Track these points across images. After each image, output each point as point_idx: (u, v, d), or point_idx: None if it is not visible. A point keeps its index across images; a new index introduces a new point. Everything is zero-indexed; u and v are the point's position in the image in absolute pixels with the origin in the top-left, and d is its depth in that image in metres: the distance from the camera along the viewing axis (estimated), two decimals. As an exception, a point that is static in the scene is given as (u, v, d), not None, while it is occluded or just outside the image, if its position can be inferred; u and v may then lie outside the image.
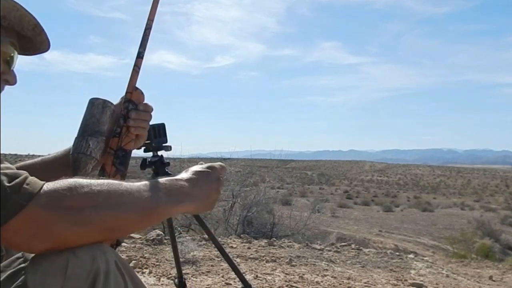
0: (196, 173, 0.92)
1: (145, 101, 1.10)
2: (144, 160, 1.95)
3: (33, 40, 0.93)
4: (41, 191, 0.70)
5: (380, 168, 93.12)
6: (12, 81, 0.89)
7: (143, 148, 1.92)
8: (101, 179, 0.79)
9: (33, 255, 0.73)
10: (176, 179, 0.89)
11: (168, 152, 2.02)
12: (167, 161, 1.99)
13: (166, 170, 1.97)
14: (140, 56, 1.07)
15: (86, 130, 1.00)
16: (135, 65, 1.07)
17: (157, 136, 1.90)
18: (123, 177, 1.04)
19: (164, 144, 1.94)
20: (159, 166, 1.95)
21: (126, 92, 1.08)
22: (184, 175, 0.92)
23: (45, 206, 0.69)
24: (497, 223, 18.69)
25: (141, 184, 0.85)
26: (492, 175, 79.94)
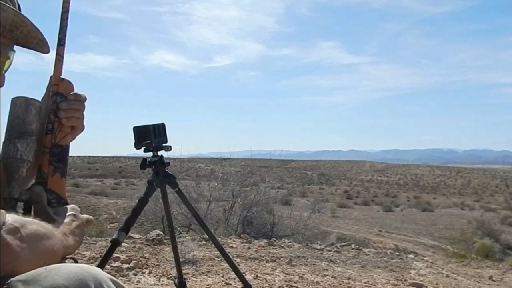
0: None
1: (76, 91, 1.02)
2: (144, 160, 1.96)
3: (33, 48, 0.95)
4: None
5: (380, 168, 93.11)
6: (2, 84, 0.90)
7: (143, 148, 1.92)
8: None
9: (20, 285, 0.66)
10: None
11: (168, 152, 2.03)
12: (167, 161, 1.99)
13: (166, 170, 1.98)
14: (61, 43, 0.99)
15: (12, 133, 0.93)
16: (57, 53, 0.98)
17: (157, 136, 1.91)
18: (63, 175, 0.98)
19: (164, 144, 1.95)
20: (159, 166, 1.95)
21: (52, 85, 1.00)
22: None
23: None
24: (497, 223, 18.68)
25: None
26: (492, 175, 79.93)
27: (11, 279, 0.67)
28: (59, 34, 0.99)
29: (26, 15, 0.89)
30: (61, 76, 1.00)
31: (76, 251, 0.86)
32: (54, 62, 0.98)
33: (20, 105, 0.94)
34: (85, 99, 1.03)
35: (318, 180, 66.69)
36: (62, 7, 1.00)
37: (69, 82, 1.01)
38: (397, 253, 5.24)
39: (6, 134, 0.93)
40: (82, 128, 1.05)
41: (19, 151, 0.92)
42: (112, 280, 0.74)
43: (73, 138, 1.05)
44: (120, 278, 3.09)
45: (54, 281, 0.65)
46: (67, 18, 1.00)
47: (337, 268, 4.07)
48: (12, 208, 0.87)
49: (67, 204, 0.96)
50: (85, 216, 0.96)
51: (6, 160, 0.91)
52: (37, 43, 0.91)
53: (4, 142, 0.93)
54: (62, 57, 0.99)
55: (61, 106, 0.98)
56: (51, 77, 1.01)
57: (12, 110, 0.94)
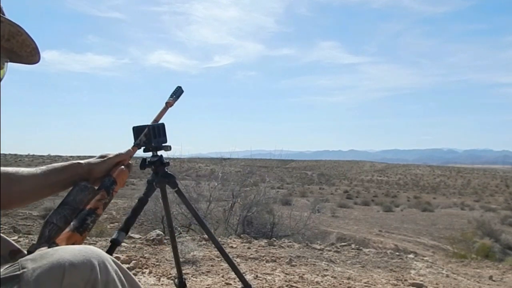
0: None
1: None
2: (143, 160, 1.95)
3: (25, 59, 0.96)
4: None
5: (380, 168, 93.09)
6: None
7: (143, 148, 1.92)
8: None
9: (29, 262, 0.70)
10: None
11: (168, 152, 2.02)
12: (167, 161, 1.99)
13: (166, 170, 1.98)
14: None
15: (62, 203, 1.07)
16: None
17: (157, 136, 1.90)
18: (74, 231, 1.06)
19: (163, 144, 1.95)
20: (159, 166, 1.95)
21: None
22: None
23: None
24: (497, 223, 18.68)
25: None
26: (492, 175, 79.91)
27: (20, 259, 0.72)
28: None
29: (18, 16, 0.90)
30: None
31: None
32: None
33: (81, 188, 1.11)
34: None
35: (318, 180, 66.67)
36: None
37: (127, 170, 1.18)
38: (397, 253, 5.23)
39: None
40: None
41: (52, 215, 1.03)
42: (113, 261, 0.79)
43: None
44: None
45: (61, 257, 0.70)
46: None
47: (337, 268, 4.07)
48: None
49: None
50: None
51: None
52: (30, 52, 0.94)
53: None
54: None
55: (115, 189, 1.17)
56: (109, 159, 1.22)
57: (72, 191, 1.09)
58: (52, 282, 0.67)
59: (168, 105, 1.93)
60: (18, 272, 0.68)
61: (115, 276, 0.75)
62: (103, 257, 0.76)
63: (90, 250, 0.75)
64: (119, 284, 0.76)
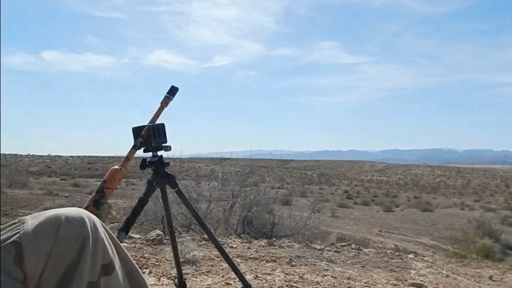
0: None
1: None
2: (144, 160, 1.95)
3: None
4: None
5: (380, 168, 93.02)
6: None
7: (143, 148, 1.92)
8: None
9: (29, 218, 0.79)
10: None
11: (168, 152, 2.02)
12: (167, 161, 1.99)
13: (166, 170, 1.98)
14: None
15: None
16: None
17: (157, 136, 1.90)
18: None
19: (163, 144, 1.95)
20: (159, 166, 1.95)
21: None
22: None
23: None
24: (497, 223, 18.66)
25: None
26: (492, 175, 79.86)
27: (21, 217, 0.81)
28: None
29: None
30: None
31: None
32: None
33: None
34: None
35: (318, 180, 66.64)
36: None
37: None
38: (397, 253, 5.23)
39: None
40: None
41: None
42: (102, 225, 0.87)
43: None
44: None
45: (57, 212, 0.79)
46: None
47: (337, 268, 4.07)
48: None
49: None
50: None
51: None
52: None
53: None
54: None
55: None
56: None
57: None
58: (48, 232, 0.75)
59: (164, 104, 1.93)
60: (18, 223, 0.78)
61: (103, 236, 0.83)
62: (94, 219, 0.84)
63: (83, 211, 0.84)
64: (107, 243, 0.82)
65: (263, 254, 4.32)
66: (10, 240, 0.74)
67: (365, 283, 3.50)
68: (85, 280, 0.75)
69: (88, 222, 0.80)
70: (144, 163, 1.97)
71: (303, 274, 3.60)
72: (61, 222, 0.76)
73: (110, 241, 0.84)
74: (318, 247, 5.10)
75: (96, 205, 1.37)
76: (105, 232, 0.85)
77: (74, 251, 0.76)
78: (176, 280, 2.22)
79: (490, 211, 26.94)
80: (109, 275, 0.79)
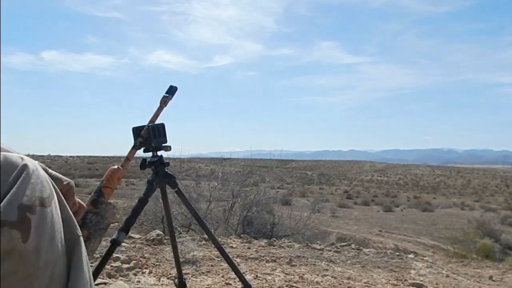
0: None
1: None
2: (144, 160, 1.95)
3: None
4: None
5: (380, 168, 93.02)
6: None
7: (143, 148, 1.92)
8: None
9: None
10: None
11: (168, 152, 2.02)
12: (167, 161, 1.99)
13: (166, 170, 1.98)
14: None
15: None
16: None
17: (157, 136, 1.90)
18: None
19: (163, 144, 1.95)
20: (159, 166, 1.95)
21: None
22: None
23: None
24: (497, 223, 18.66)
25: None
26: (492, 175, 79.85)
27: None
28: None
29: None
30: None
31: None
32: None
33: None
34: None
35: (318, 180, 66.63)
36: None
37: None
38: (397, 253, 5.23)
39: None
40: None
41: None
42: (53, 184, 0.88)
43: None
44: (120, 278, 3.09)
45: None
46: None
47: (337, 268, 4.07)
48: None
49: None
50: None
51: None
52: None
53: None
54: None
55: None
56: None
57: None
58: None
59: (163, 104, 1.93)
60: None
61: (45, 178, 0.86)
62: (38, 163, 0.88)
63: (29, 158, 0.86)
64: (46, 185, 0.85)
65: (263, 254, 4.32)
66: None
67: (365, 283, 3.50)
68: (18, 200, 0.76)
69: (25, 161, 0.82)
70: (144, 163, 1.97)
71: (303, 274, 3.60)
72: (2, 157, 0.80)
73: (53, 188, 0.86)
74: (318, 247, 5.10)
75: (95, 204, 1.36)
76: (51, 183, 0.87)
77: (8, 183, 0.78)
78: (176, 280, 2.22)
79: (490, 211, 26.94)
80: (45, 207, 0.81)
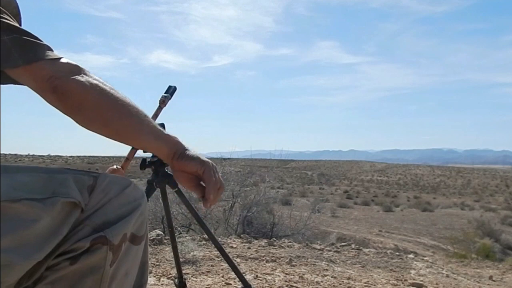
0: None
1: None
2: (143, 160, 1.95)
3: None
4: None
5: (380, 168, 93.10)
6: None
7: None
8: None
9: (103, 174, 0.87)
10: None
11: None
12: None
13: (166, 170, 1.98)
14: None
15: None
16: None
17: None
18: None
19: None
20: (159, 166, 1.95)
21: None
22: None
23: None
24: (497, 223, 18.69)
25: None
26: (492, 175, 79.92)
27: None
28: None
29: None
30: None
31: None
32: None
33: None
34: None
35: (318, 180, 66.67)
36: None
37: None
38: (397, 253, 5.24)
39: None
40: None
41: None
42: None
43: None
44: (120, 278, 3.09)
45: (129, 179, 0.91)
46: None
47: (337, 268, 4.07)
48: None
49: None
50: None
51: None
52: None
53: None
54: None
55: None
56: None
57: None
58: (119, 185, 0.86)
59: (162, 104, 1.92)
60: (95, 174, 0.85)
61: (146, 218, 0.91)
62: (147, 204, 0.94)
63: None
64: (145, 224, 0.90)
65: (263, 254, 4.32)
66: (87, 180, 0.82)
67: (365, 283, 3.50)
68: (126, 229, 0.82)
69: (145, 198, 0.90)
70: (144, 163, 1.97)
71: (303, 274, 3.60)
72: (130, 184, 0.88)
73: (147, 228, 0.92)
74: (318, 247, 5.10)
75: None
76: (147, 224, 0.93)
77: (125, 209, 0.83)
78: (176, 280, 2.22)
79: (490, 211, 26.98)
80: (134, 245, 0.86)
